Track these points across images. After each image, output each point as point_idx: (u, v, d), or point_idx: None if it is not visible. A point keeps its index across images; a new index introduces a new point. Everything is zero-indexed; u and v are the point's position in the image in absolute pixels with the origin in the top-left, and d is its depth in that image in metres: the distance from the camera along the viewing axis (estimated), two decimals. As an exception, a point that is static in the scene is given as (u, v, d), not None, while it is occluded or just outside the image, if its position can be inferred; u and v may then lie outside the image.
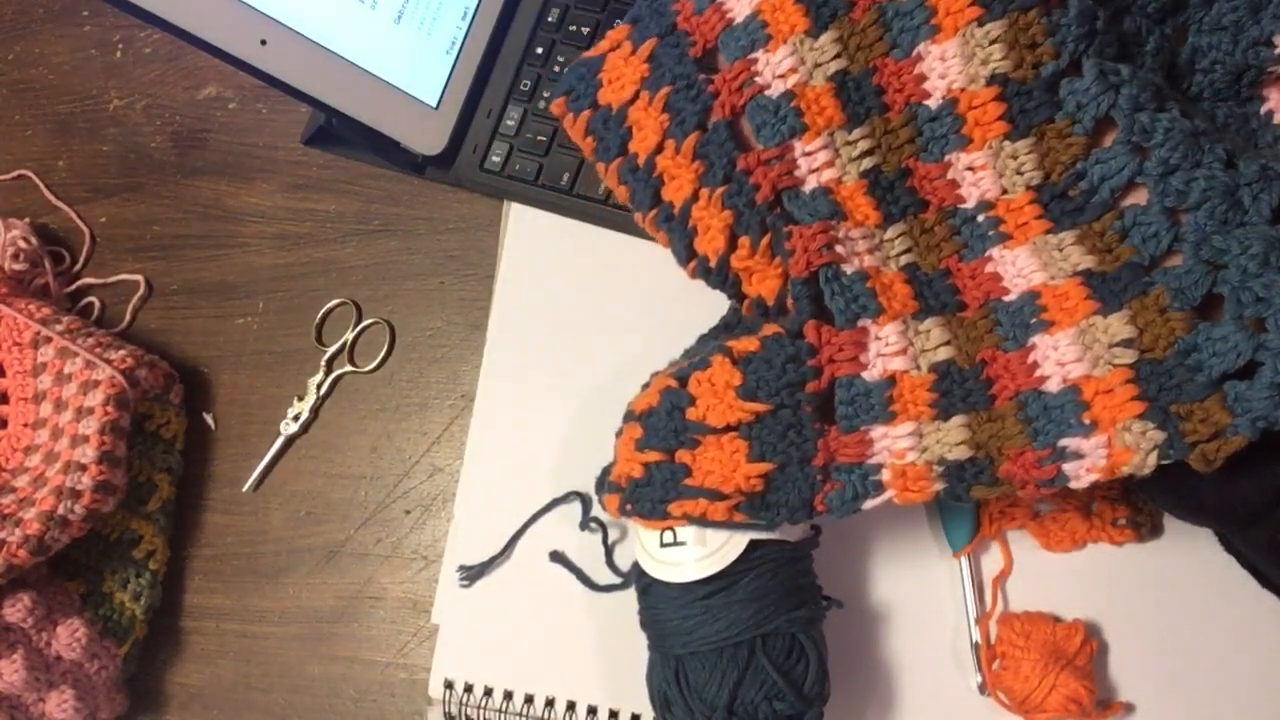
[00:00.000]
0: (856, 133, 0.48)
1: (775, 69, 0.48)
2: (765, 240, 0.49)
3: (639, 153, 0.52)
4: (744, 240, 0.50)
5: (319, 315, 0.68)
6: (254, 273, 0.70)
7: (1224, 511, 0.44)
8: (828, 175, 0.48)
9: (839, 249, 0.47)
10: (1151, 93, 0.45)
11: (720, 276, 0.51)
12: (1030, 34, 0.45)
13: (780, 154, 0.48)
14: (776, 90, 0.48)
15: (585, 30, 0.64)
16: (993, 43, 0.46)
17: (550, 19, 0.65)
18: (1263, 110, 0.49)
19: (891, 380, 0.46)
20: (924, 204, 0.49)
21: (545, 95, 0.64)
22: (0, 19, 0.79)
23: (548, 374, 0.61)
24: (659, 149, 0.51)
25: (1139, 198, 0.44)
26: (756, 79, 0.49)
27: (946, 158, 0.48)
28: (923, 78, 0.48)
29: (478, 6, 0.65)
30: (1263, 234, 0.41)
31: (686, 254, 0.52)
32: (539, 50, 0.65)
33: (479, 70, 0.65)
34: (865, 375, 0.46)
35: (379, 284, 0.68)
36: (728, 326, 0.55)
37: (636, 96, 0.52)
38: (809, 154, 0.48)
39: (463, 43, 0.65)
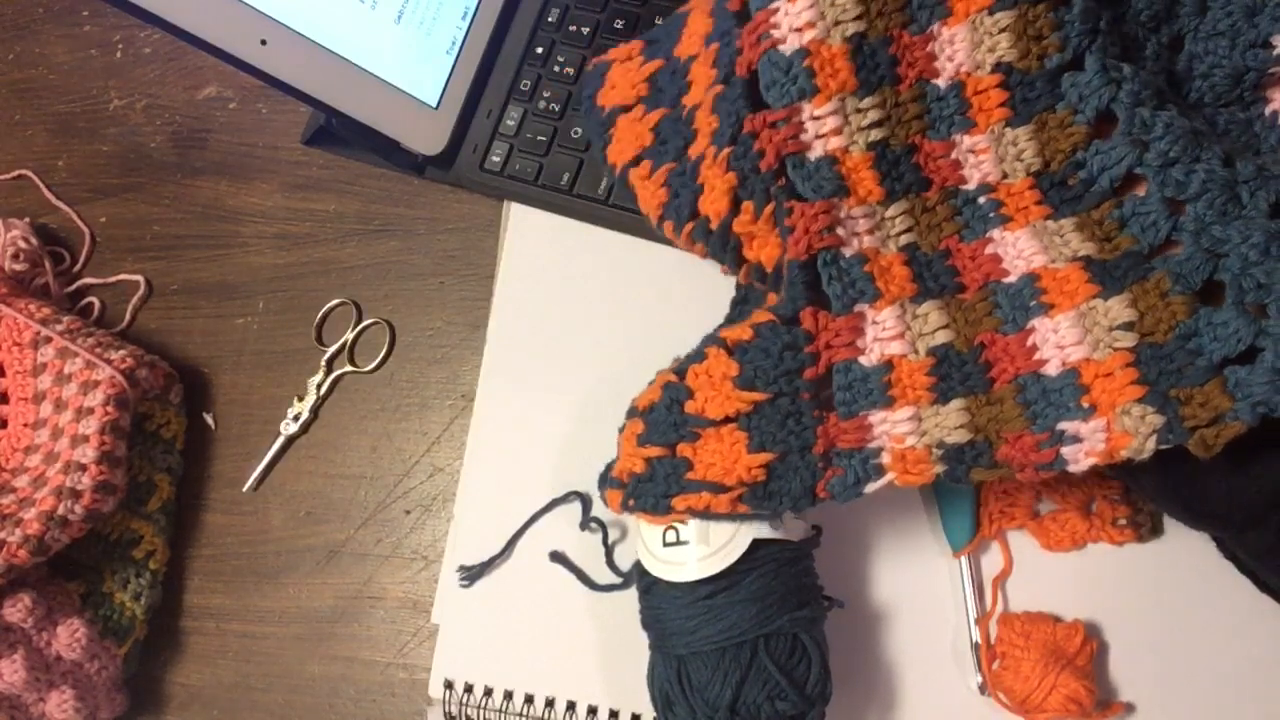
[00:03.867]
0: (868, 101, 0.48)
1: (794, 21, 0.47)
2: (768, 209, 0.49)
3: (686, 105, 0.52)
4: (747, 205, 0.49)
5: (319, 315, 0.68)
6: (254, 273, 0.70)
7: (1223, 515, 0.44)
8: (835, 143, 0.48)
9: (840, 231, 0.47)
10: (1152, 91, 0.45)
11: (721, 240, 0.51)
12: (1038, 26, 0.46)
13: (787, 116, 0.48)
14: (791, 45, 0.48)
15: (585, 30, 0.64)
16: (1001, 31, 0.46)
17: (550, 19, 0.65)
18: (1267, 111, 0.49)
19: (889, 365, 0.46)
20: (927, 183, 0.48)
21: (545, 95, 0.64)
22: (0, 19, 0.79)
23: (548, 374, 0.61)
24: (700, 104, 0.51)
25: (1139, 189, 0.45)
26: (774, 32, 0.48)
27: (952, 137, 0.48)
28: (933, 56, 0.48)
29: (478, 6, 0.65)
30: (1263, 225, 0.41)
31: (690, 211, 0.51)
32: (539, 50, 0.65)
33: (479, 70, 0.65)
34: (863, 360, 0.46)
35: (379, 284, 0.68)
36: (732, 323, 0.55)
37: (699, 54, 0.52)
38: (818, 118, 0.48)
39: (463, 43, 0.65)
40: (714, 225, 0.50)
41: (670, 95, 0.53)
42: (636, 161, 0.53)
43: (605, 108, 0.54)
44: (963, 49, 0.47)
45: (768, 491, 0.46)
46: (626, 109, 0.54)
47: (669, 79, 0.54)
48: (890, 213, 0.48)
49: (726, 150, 0.49)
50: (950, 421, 0.44)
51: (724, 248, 0.51)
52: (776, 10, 0.48)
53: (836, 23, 0.47)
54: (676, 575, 0.48)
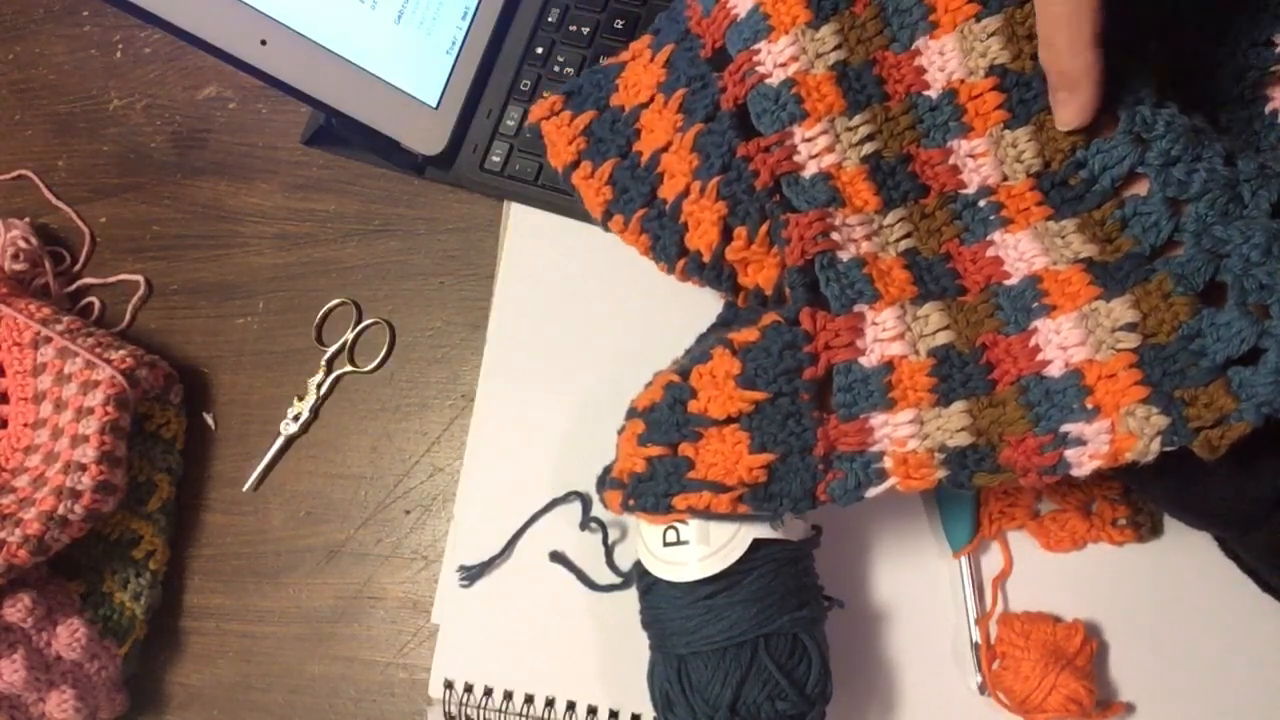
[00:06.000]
0: (857, 119, 0.48)
1: (777, 58, 0.49)
2: (764, 229, 0.49)
3: (643, 151, 0.53)
4: (740, 231, 0.50)
5: (319, 315, 0.68)
6: (254, 273, 0.70)
7: (1225, 515, 0.44)
8: (828, 160, 0.48)
9: (835, 236, 0.47)
10: (1152, 88, 0.45)
11: (714, 271, 0.52)
12: (1028, 25, 0.46)
13: (780, 140, 0.49)
14: (777, 78, 0.49)
15: (585, 30, 0.64)
16: (990, 36, 0.46)
17: (550, 19, 0.65)
18: (1267, 110, 0.49)
19: (890, 366, 0.46)
20: (925, 189, 0.49)
21: (545, 95, 0.64)
22: (0, 19, 0.79)
23: (548, 374, 0.61)
24: (666, 148, 0.52)
25: (1140, 189, 0.45)
26: (758, 68, 0.49)
27: (948, 144, 0.48)
28: (922, 70, 0.48)
29: (478, 6, 0.65)
30: (1264, 225, 0.41)
31: (676, 251, 0.52)
32: (539, 50, 0.65)
33: (479, 70, 0.65)
34: (863, 361, 0.46)
35: (379, 284, 0.68)
36: (726, 324, 0.55)
37: (651, 100, 0.54)
38: (809, 139, 0.48)
39: (463, 43, 0.65)
40: (706, 258, 0.51)
41: (616, 144, 0.54)
42: (609, 216, 0.54)
43: (558, 168, 0.56)
44: (954, 58, 0.47)
45: (768, 493, 0.46)
46: (575, 165, 0.55)
47: (608, 129, 0.55)
48: (889, 220, 0.48)
49: (716, 179, 0.50)
50: (952, 424, 0.44)
51: (719, 278, 0.52)
52: (758, 50, 0.49)
53: (818, 55, 0.48)
54: (677, 575, 0.48)
